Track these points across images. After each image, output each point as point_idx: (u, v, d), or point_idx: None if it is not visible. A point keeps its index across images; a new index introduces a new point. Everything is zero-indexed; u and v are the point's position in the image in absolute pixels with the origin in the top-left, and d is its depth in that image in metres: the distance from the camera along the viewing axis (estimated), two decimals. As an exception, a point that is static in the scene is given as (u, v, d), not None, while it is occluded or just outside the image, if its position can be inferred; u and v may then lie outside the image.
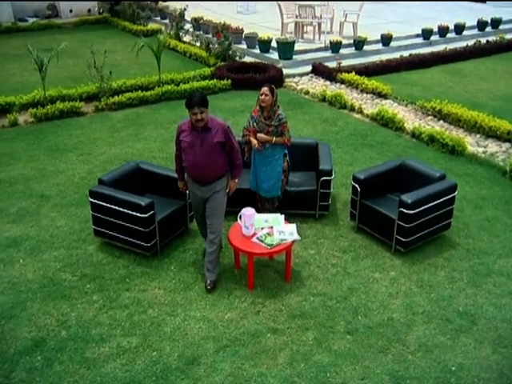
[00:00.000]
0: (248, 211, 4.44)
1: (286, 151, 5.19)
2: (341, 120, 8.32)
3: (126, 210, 4.72)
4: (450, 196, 4.98)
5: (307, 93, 9.57)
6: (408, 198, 4.74)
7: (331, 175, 5.38)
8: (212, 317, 4.14)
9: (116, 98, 8.83)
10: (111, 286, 4.54)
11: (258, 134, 5.02)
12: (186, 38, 12.98)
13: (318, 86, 9.94)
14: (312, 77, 10.50)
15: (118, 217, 4.80)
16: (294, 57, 11.09)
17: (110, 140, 7.57)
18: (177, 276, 4.64)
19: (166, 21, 14.75)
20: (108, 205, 4.80)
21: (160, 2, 16.30)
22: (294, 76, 10.50)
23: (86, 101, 8.88)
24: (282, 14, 12.51)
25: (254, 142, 5.01)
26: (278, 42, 10.97)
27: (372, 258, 4.95)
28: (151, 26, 14.41)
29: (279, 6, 12.53)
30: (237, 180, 4.46)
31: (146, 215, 4.67)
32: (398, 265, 4.83)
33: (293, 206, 5.43)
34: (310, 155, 5.78)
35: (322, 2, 12.76)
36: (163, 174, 5.20)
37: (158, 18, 15.40)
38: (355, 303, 4.34)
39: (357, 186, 5.19)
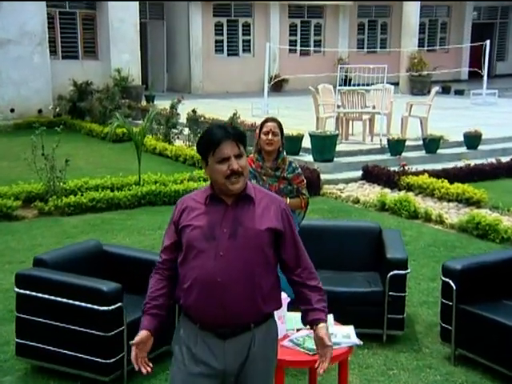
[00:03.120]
0: (276, 296, 4.22)
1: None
2: (411, 230, 8.53)
3: (76, 302, 4.53)
4: None
5: (357, 201, 10.11)
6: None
7: (406, 268, 5.32)
8: None
9: (72, 199, 9.24)
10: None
11: None
12: (179, 143, 13.78)
13: (373, 193, 10.43)
14: (363, 184, 11.12)
15: (61, 316, 4.60)
16: (335, 159, 11.73)
17: (58, 248, 7.55)
18: (152, 415, 4.24)
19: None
20: (47, 296, 4.63)
21: (143, 102, 17.75)
22: (336, 182, 11.07)
23: (25, 203, 9.23)
24: (316, 105, 13.41)
25: None
26: (312, 137, 11.58)
27: (487, 398, 4.55)
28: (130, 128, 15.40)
29: (313, 93, 13.51)
30: (326, 330, 3.13)
31: (110, 308, 4.49)
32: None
33: (343, 321, 5.07)
34: (368, 246, 5.76)
35: (379, 86, 13.70)
36: (141, 258, 5.16)
37: (140, 121, 16.50)
38: None
39: (450, 281, 5.00)
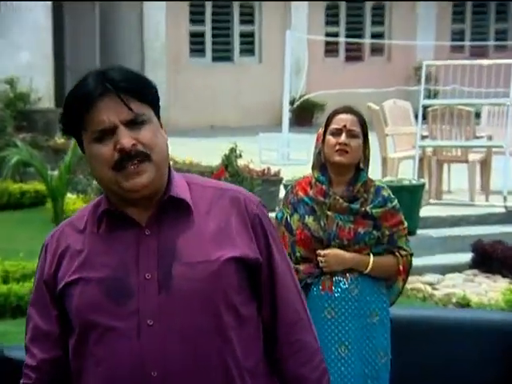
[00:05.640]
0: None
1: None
2: None
3: None
4: None
5: (466, 304, 10.85)
6: None
7: None
8: None
9: None
10: None
11: (327, 251, 5.20)
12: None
13: (496, 290, 11.35)
14: (475, 274, 12.36)
15: None
16: (420, 231, 12.64)
17: None
18: None
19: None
20: None
21: (57, 137, 17.90)
22: (422, 271, 11.98)
23: None
24: (382, 137, 13.35)
25: (308, 270, 5.30)
26: (377, 190, 11.64)
27: None
28: (36, 184, 15.49)
29: (376, 114, 13.32)
30: None
31: None
32: None
33: None
34: (497, 352, 6.11)
35: (499, 101, 13.98)
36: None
37: (54, 172, 16.37)
38: None
39: None
